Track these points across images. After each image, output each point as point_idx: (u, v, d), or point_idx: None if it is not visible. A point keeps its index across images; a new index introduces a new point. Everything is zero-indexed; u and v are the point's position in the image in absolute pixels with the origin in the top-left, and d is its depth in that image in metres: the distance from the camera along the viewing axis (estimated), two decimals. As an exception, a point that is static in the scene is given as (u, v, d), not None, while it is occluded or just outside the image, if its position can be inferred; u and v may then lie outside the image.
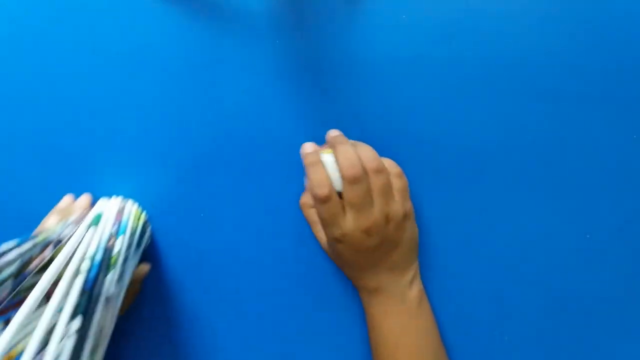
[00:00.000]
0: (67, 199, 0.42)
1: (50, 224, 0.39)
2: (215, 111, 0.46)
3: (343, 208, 0.37)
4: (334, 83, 0.45)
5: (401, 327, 0.40)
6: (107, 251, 0.32)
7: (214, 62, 0.45)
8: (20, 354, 0.25)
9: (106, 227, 0.35)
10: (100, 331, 0.30)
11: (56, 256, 0.29)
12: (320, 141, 0.44)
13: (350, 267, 0.40)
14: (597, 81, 0.44)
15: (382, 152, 0.45)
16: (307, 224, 0.44)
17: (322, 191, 0.36)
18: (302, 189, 0.46)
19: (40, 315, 0.26)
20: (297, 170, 0.45)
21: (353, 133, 0.45)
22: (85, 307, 0.29)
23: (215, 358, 0.46)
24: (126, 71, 0.45)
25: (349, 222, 0.37)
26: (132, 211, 0.40)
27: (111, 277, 0.32)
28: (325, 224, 0.38)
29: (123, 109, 0.46)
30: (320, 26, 0.45)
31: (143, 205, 0.45)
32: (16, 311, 0.25)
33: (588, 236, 0.44)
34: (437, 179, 0.45)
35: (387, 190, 0.38)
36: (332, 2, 0.45)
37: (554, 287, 0.44)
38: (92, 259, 0.31)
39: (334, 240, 0.38)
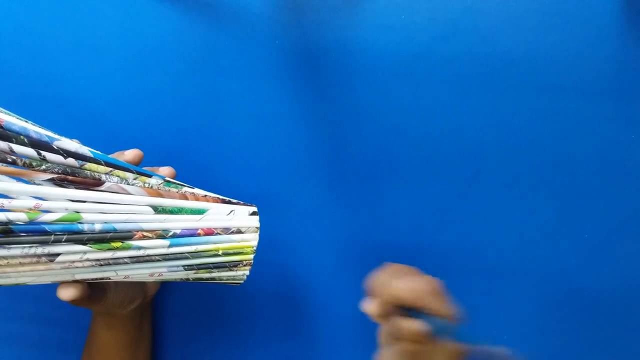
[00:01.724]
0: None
1: None
2: (215, 111, 0.46)
3: None
4: (334, 83, 0.45)
5: None
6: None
7: (214, 62, 0.45)
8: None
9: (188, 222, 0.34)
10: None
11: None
12: (319, 141, 0.45)
13: None
14: (597, 80, 0.44)
15: (382, 152, 0.46)
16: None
17: None
18: (299, 190, 0.46)
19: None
20: (295, 169, 0.46)
21: (353, 133, 0.45)
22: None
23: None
24: (126, 71, 0.45)
25: None
26: (235, 240, 0.35)
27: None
28: None
29: (122, 109, 0.46)
30: (320, 26, 0.45)
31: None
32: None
33: (586, 236, 0.45)
34: (437, 178, 0.45)
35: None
36: (332, 2, 0.45)
37: (553, 287, 0.45)
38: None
39: None
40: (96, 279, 0.33)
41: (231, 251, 0.35)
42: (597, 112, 0.44)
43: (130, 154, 0.37)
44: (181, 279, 0.35)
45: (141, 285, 0.41)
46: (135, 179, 0.33)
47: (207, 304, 0.48)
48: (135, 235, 0.32)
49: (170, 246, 0.33)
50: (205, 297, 0.48)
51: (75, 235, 0.30)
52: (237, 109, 0.46)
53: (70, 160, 0.31)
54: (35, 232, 0.29)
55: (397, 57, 0.45)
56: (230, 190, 0.45)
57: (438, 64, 0.44)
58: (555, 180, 0.45)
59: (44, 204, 0.29)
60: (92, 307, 0.36)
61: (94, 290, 0.35)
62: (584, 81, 0.44)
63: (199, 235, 0.34)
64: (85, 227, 0.31)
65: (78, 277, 0.32)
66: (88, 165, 0.32)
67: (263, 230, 0.45)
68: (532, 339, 0.45)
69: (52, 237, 0.30)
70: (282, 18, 0.45)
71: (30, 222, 0.29)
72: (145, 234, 0.32)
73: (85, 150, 0.32)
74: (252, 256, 0.35)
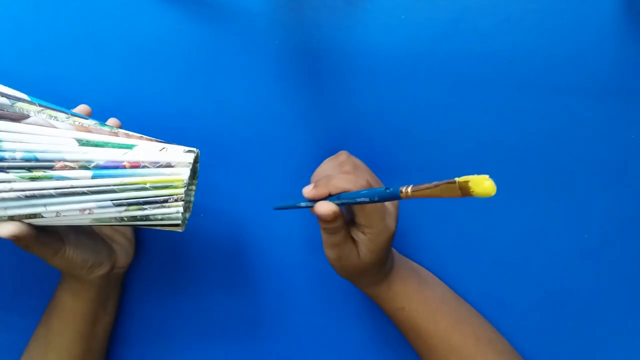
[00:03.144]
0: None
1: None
2: (215, 111, 0.47)
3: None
4: (334, 83, 0.45)
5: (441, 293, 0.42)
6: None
7: (214, 62, 0.47)
8: None
9: (109, 155, 0.34)
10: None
11: None
12: (319, 141, 0.46)
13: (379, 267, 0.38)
14: (597, 80, 0.44)
15: (382, 152, 0.45)
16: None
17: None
18: (298, 189, 0.44)
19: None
20: (295, 170, 0.46)
21: (353, 133, 0.45)
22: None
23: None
24: (126, 71, 0.47)
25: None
26: (165, 174, 0.34)
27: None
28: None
29: (122, 109, 0.47)
30: (320, 26, 0.46)
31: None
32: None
33: (586, 236, 0.44)
34: (437, 177, 0.43)
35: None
36: (332, 2, 0.45)
37: (553, 286, 0.45)
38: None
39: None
40: (28, 215, 0.33)
41: (160, 184, 0.34)
42: (597, 112, 0.44)
43: (77, 110, 0.39)
44: (115, 218, 0.34)
45: (108, 250, 0.41)
46: (67, 118, 0.34)
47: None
48: (56, 165, 0.32)
49: (93, 177, 0.33)
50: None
51: (-4, 163, 0.32)
52: (237, 108, 0.46)
53: (2, 99, 0.33)
54: (-43, 158, 0.31)
55: (397, 57, 0.45)
56: (230, 190, 0.46)
57: (438, 64, 0.45)
58: (555, 180, 0.44)
59: (-35, 133, 0.31)
60: (48, 256, 0.36)
61: (49, 237, 0.35)
62: (583, 81, 0.44)
63: (124, 167, 0.33)
64: (7, 155, 0.32)
65: (10, 212, 0.33)
66: (20, 104, 0.33)
67: (262, 229, 0.45)
68: (531, 339, 0.44)
69: (-26, 164, 0.31)
70: (282, 18, 0.46)
71: (-48, 148, 0.31)
72: (67, 164, 0.33)
73: (23, 95, 0.34)
74: (182, 190, 0.34)
